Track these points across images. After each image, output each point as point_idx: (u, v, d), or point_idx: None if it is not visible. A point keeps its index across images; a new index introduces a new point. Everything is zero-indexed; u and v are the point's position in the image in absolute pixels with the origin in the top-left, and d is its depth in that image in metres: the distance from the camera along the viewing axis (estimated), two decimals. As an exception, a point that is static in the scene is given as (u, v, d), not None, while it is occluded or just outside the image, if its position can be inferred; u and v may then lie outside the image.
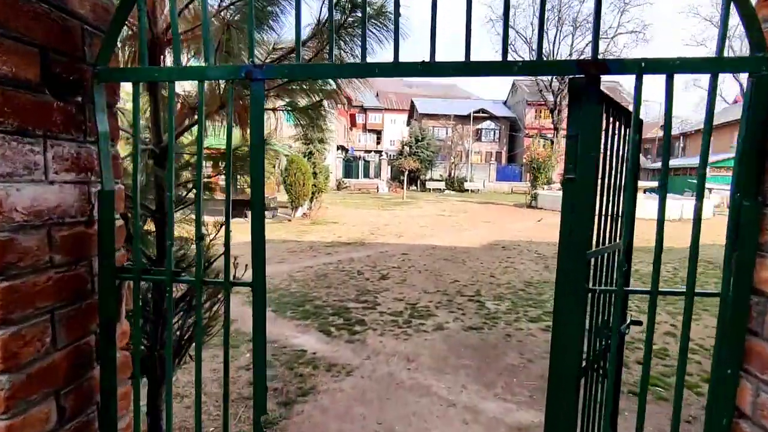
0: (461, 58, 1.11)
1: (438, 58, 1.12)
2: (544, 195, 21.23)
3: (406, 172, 27.04)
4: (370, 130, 64.47)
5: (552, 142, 31.30)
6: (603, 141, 1.40)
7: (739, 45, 43.61)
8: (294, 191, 13.81)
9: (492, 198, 31.61)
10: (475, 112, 47.00)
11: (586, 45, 38.72)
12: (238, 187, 14.92)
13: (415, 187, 41.11)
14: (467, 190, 39.91)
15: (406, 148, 40.68)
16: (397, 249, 9.96)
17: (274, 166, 15.21)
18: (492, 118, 48.26)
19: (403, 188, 26.78)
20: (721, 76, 1.06)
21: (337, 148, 46.41)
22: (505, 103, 52.99)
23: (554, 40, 39.68)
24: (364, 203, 22.09)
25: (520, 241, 11.42)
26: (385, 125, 64.65)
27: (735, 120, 32.72)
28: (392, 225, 13.97)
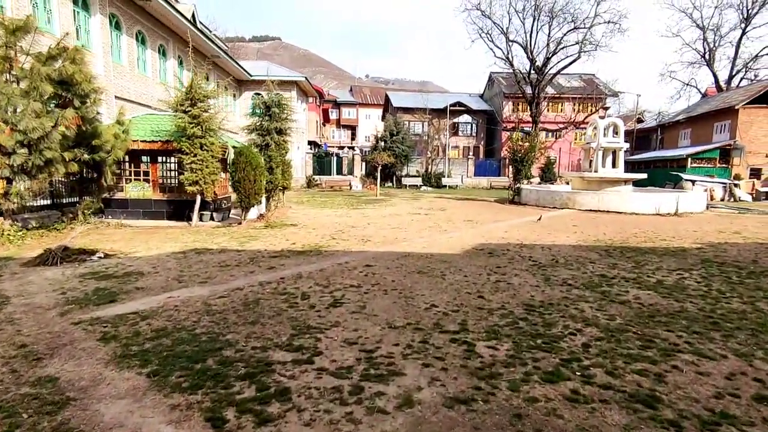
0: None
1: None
2: (528, 190, 19.68)
3: (380, 168, 25.07)
4: (345, 126, 62.33)
5: (528, 134, 29.86)
6: None
7: (712, 36, 43.39)
8: (243, 189, 11.72)
9: (471, 193, 30.06)
10: (451, 106, 45.43)
11: (563, 35, 37.59)
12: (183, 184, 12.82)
13: (391, 184, 39.30)
14: (445, 186, 38.34)
15: (381, 143, 38.76)
16: (361, 259, 8.05)
17: (225, 161, 13.11)
18: (469, 111, 46.81)
19: (376, 185, 24.83)
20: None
21: (309, 144, 44.22)
22: (482, 96, 51.67)
23: (531, 30, 38.33)
24: (333, 202, 20.10)
25: (509, 245, 9.68)
26: (360, 120, 62.65)
27: (715, 110, 32.08)
28: (359, 227, 12.05)
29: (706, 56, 42.83)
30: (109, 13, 14.35)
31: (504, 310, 5.24)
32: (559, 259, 8.28)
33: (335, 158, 38.13)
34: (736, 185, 27.50)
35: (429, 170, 40.64)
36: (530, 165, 19.99)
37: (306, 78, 32.51)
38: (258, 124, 15.13)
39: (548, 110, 43.76)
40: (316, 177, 33.21)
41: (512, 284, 6.48)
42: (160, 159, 13.12)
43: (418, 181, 38.47)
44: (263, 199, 13.94)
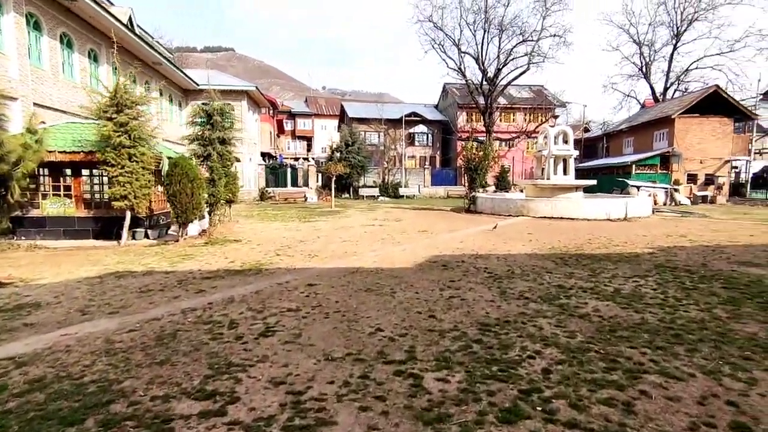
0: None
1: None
2: (483, 198, 19.63)
3: (333, 179, 24.38)
4: (300, 137, 61.25)
5: (482, 143, 30.18)
6: None
7: (648, 51, 46.10)
8: (179, 203, 10.73)
9: (428, 203, 29.93)
10: (407, 116, 45.60)
11: (513, 47, 38.66)
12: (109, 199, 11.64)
13: (348, 195, 38.68)
14: (402, 196, 38.13)
15: (336, 154, 38.15)
16: (305, 277, 7.35)
17: (160, 172, 12.02)
18: (424, 121, 47.14)
19: (331, 195, 24.10)
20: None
21: (263, 156, 42.88)
22: (436, 107, 52.27)
23: (482, 42, 39.18)
24: (285, 215, 19.20)
25: (464, 256, 9.27)
26: (316, 131, 61.80)
27: (654, 120, 33.81)
28: (308, 241, 11.32)
29: (643, 69, 45.39)
30: (26, 12, 12.99)
31: (457, 332, 4.72)
32: (515, 269, 7.93)
33: (290, 170, 37.07)
34: (676, 190, 28.90)
35: (386, 181, 40.35)
36: (484, 173, 19.99)
37: (257, 87, 31.47)
38: (199, 133, 14.11)
39: (501, 120, 44.79)
40: (270, 189, 32.03)
41: (466, 300, 6.00)
42: (85, 172, 11.86)
43: (376, 191, 38.06)
44: (206, 214, 12.93)
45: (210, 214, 13.19)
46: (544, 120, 42.29)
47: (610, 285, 6.79)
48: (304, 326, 4.91)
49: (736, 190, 33.08)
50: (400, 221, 16.30)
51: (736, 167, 34.28)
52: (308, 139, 61.61)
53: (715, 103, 30.82)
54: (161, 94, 25.07)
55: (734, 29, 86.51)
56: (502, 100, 44.02)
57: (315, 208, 24.10)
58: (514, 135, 43.96)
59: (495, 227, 13.97)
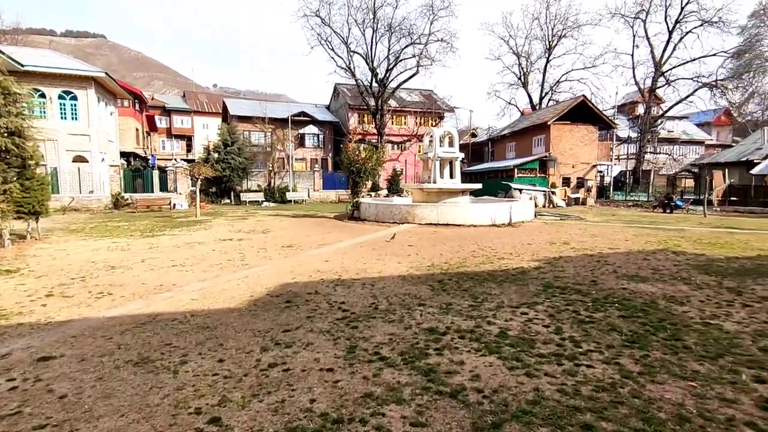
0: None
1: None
2: (366, 204, 17.92)
3: (199, 182, 20.87)
4: (178, 136, 54.78)
5: (376, 147, 28.83)
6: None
7: (525, 62, 49.21)
8: None
9: (315, 209, 27.62)
10: (295, 116, 42.81)
11: (402, 49, 38.15)
12: None
13: (228, 200, 34.79)
14: (290, 201, 35.36)
15: (214, 154, 34.08)
16: (55, 338, 4.66)
17: None
18: (315, 122, 44.74)
19: (196, 202, 20.54)
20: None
21: (125, 156, 36.82)
22: (328, 107, 50.19)
23: (372, 42, 38.07)
24: (131, 227, 15.48)
25: (323, 283, 7.19)
26: (197, 130, 55.82)
27: (532, 126, 35.56)
28: (122, 267, 8.36)
29: (522, 79, 48.29)
30: None
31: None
32: (380, 302, 6.05)
33: (157, 172, 32.05)
34: (553, 193, 30.39)
35: (272, 184, 37.17)
36: (369, 177, 18.34)
37: (107, 74, 26.36)
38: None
39: (392, 123, 44.22)
40: (127, 195, 27.03)
41: (292, 371, 3.89)
42: None
43: (260, 196, 34.74)
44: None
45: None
46: (434, 124, 42.63)
47: (494, 322, 5.20)
48: None
49: (602, 192, 36.16)
50: (268, 233, 13.79)
51: (601, 171, 37.55)
52: (188, 139, 55.39)
53: (583, 113, 33.22)
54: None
55: (595, 47, 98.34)
56: (393, 103, 43.48)
57: (179, 217, 20.37)
58: (405, 138, 43.69)
59: (393, 237, 12.33)
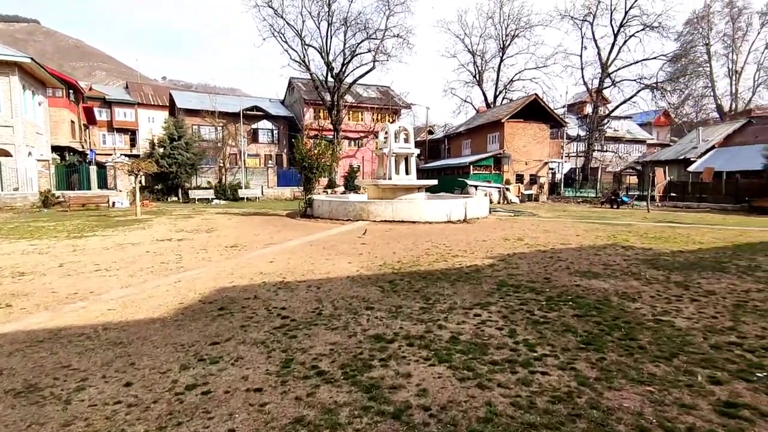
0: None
1: None
2: (320, 201, 17.30)
3: (139, 179, 19.44)
4: (120, 130, 51.51)
5: (331, 142, 28.01)
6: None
7: (480, 61, 49.94)
8: None
9: (268, 206, 26.63)
10: (247, 110, 41.27)
11: (358, 44, 37.58)
12: None
13: (176, 198, 33.00)
14: (243, 198, 34.01)
15: (159, 149, 32.15)
16: None
17: None
18: (268, 117, 43.34)
19: (136, 200, 19.10)
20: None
21: (59, 151, 34.04)
22: (283, 102, 48.81)
23: (327, 35, 37.23)
24: (58, 227, 14.07)
25: (264, 286, 6.61)
26: (142, 123, 52.75)
27: (487, 123, 36.05)
28: (33, 274, 7.38)
29: (477, 77, 48.99)
30: None
31: None
32: (324, 307, 5.56)
33: (95, 168, 29.82)
34: (507, 189, 30.92)
35: (223, 181, 35.63)
36: (322, 173, 17.73)
37: (33, 59, 24.11)
38: None
39: (349, 119, 43.62)
40: (59, 193, 24.91)
41: (213, 394, 3.34)
42: None
43: (210, 193, 33.19)
44: None
45: None
46: (391, 120, 42.40)
47: (446, 326, 4.85)
48: None
49: (553, 188, 37.27)
50: (212, 232, 12.92)
51: (552, 168, 38.70)
52: (131, 133, 52.20)
53: (535, 111, 34.03)
54: None
55: (547, 48, 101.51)
56: (349, 98, 42.85)
57: (116, 216, 18.89)
58: (362, 134, 43.22)
59: (365, 233, 11.96)
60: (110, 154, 42.21)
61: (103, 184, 30.31)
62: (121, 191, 27.29)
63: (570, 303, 5.70)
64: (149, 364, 3.87)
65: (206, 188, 34.38)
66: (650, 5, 41.50)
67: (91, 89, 47.07)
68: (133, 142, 51.51)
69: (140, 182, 19.55)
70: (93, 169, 29.55)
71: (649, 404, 3.21)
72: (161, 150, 31.96)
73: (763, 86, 44.32)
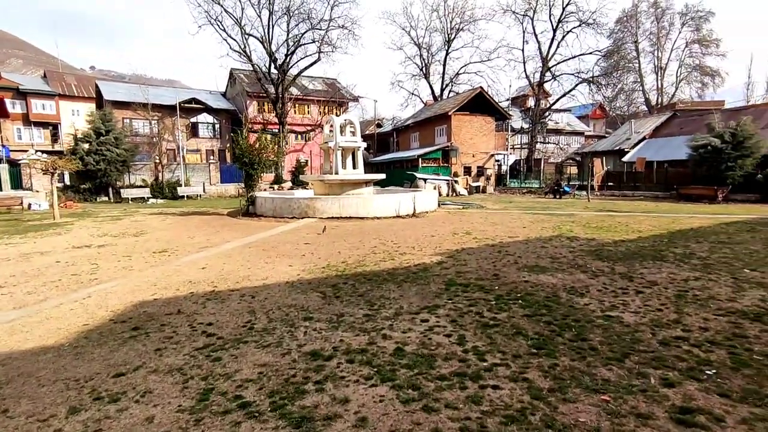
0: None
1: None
2: (263, 198, 16.39)
3: (53, 178, 17.53)
4: (38, 124, 46.93)
5: (274, 135, 26.74)
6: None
7: (426, 54, 50.09)
8: None
9: (210, 205, 25.21)
10: (185, 102, 38.89)
11: (302, 34, 36.36)
12: None
13: (106, 198, 30.52)
14: (182, 197, 32.08)
15: (84, 145, 29.51)
16: None
17: None
18: (209, 110, 41.12)
19: (53, 201, 17.24)
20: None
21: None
22: (224, 94, 46.51)
23: (269, 24, 35.69)
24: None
25: (190, 298, 5.90)
26: (64, 117, 48.31)
27: (434, 116, 36.17)
28: None
29: (424, 70, 49.11)
30: None
31: None
32: (257, 320, 4.99)
33: (6, 167, 26.88)
34: (456, 182, 31.18)
35: (160, 178, 33.41)
36: (265, 169, 16.83)
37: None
38: None
39: (295, 112, 42.32)
40: (-35, 195, 22.17)
41: (102, 447, 2.72)
42: None
43: (146, 192, 31.00)
44: None
45: None
46: (339, 113, 41.55)
47: (391, 336, 4.44)
48: None
49: (500, 180, 38.14)
50: (141, 236, 11.79)
51: (498, 160, 39.58)
52: (53, 127, 47.71)
53: (480, 104, 34.51)
54: None
55: (491, 42, 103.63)
56: (295, 91, 41.53)
57: (31, 219, 16.97)
58: (309, 128, 42.07)
59: (324, 230, 11.35)
60: (27, 151, 38.32)
61: (17, 184, 27.40)
62: (38, 192, 24.77)
63: (520, 301, 5.48)
64: (27, 410, 3.16)
65: (141, 186, 32.08)
66: (585, 2, 43.37)
67: (0, 78, 42.35)
68: (55, 138, 47.10)
69: (62, 182, 17.65)
70: (4, 168, 26.61)
71: (605, 417, 2.96)
72: (86, 146, 29.35)
73: (685, 82, 47.67)
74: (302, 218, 14.68)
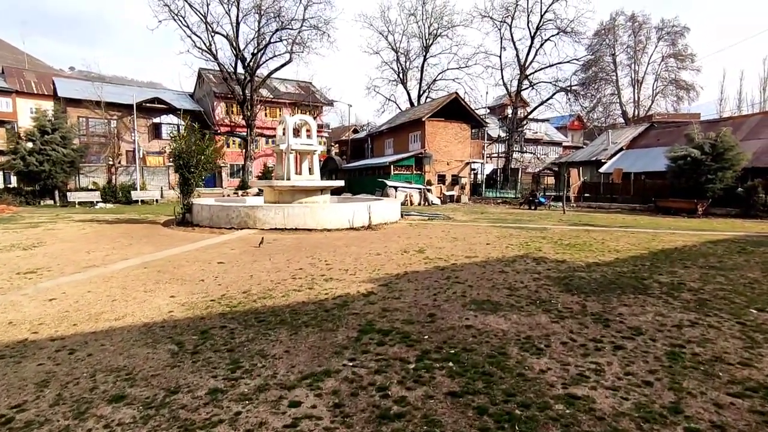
0: None
1: None
2: (200, 206, 14.50)
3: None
4: (-9, 121, 43.86)
5: (203, 135, 24.32)
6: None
7: (404, 59, 48.84)
8: None
9: (160, 210, 23.17)
10: (148, 102, 36.74)
11: (273, 33, 34.64)
12: None
13: (51, 201, 28.10)
14: (137, 201, 29.86)
15: (28, 144, 27.14)
16: None
17: None
18: (173, 110, 38.86)
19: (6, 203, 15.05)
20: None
21: None
22: (192, 95, 44.35)
23: (237, 22, 33.87)
24: None
25: (10, 345, 4.08)
26: (22, 114, 45.37)
27: (408, 122, 34.75)
28: None
29: (401, 76, 47.85)
30: None
31: None
32: (34, 404, 3.20)
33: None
34: (429, 190, 29.71)
35: (114, 181, 31.09)
36: (203, 172, 14.97)
37: None
38: None
39: (266, 115, 40.46)
40: None
41: None
42: None
43: (96, 196, 28.69)
44: None
45: None
46: (314, 117, 39.78)
47: (221, 441, 2.72)
48: None
49: (475, 189, 36.84)
50: (30, 249, 9.79)
51: (474, 169, 38.34)
52: (10, 125, 44.73)
53: (456, 110, 33.24)
54: None
55: (469, 48, 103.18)
56: (265, 93, 39.70)
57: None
58: (280, 132, 40.19)
59: (261, 243, 9.69)
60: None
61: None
62: (-34, 194, 22.29)
63: (450, 363, 3.83)
64: None
65: (92, 190, 29.72)
66: (564, 11, 42.80)
67: (-53, 72, 39.39)
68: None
69: (8, 183, 15.46)
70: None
71: None
72: (29, 145, 26.97)
73: (661, 95, 47.50)
74: (241, 229, 12.87)
